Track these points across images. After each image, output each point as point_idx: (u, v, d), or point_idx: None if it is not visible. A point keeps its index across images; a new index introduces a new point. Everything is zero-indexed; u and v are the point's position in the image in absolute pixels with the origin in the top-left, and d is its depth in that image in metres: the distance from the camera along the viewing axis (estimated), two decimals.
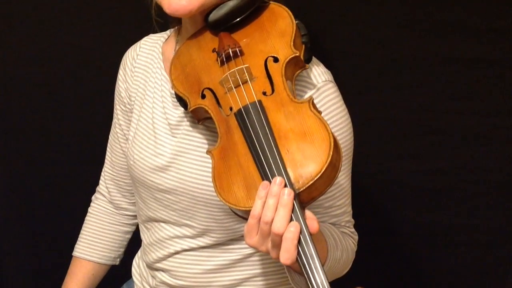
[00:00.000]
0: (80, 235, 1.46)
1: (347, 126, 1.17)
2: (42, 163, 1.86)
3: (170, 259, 1.27)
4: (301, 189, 0.94)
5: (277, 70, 1.05)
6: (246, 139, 1.00)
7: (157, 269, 1.31)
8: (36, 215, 1.90)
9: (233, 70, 1.07)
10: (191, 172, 1.18)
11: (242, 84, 1.05)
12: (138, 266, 1.40)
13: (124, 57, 1.35)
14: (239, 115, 1.03)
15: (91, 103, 1.79)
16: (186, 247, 1.25)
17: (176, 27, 1.28)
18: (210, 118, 1.08)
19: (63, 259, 1.52)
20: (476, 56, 1.56)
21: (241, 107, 1.03)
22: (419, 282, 1.74)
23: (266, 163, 0.97)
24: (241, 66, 1.07)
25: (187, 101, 1.10)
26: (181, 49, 1.18)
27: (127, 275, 1.45)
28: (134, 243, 1.43)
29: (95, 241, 1.44)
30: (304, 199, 0.96)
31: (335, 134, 1.02)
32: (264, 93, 1.04)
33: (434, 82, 1.60)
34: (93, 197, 1.47)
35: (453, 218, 1.67)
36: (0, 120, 1.85)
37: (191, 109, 1.10)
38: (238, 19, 1.13)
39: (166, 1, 1.11)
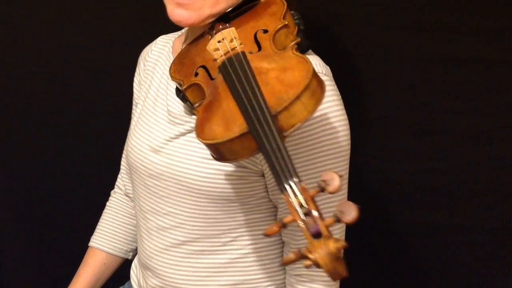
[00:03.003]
0: (97, 227, 1.49)
1: (339, 121, 1.13)
2: (42, 163, 1.86)
3: (156, 256, 1.27)
4: (278, 110, 0.93)
5: (265, 38, 1.07)
6: (227, 83, 1.00)
7: (147, 268, 1.31)
8: (36, 215, 1.90)
9: (219, 32, 1.08)
10: (179, 157, 1.19)
11: (231, 50, 1.06)
12: (136, 266, 1.41)
13: (141, 53, 1.39)
14: (222, 66, 1.03)
15: (91, 104, 1.79)
16: (170, 240, 1.24)
17: None
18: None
19: (64, 259, 1.53)
20: (476, 56, 1.56)
21: (225, 59, 1.04)
22: (418, 282, 1.74)
23: (244, 94, 0.96)
24: (227, 29, 1.09)
25: (182, 83, 1.12)
26: (182, 50, 1.21)
27: (128, 278, 1.45)
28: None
29: (109, 232, 1.46)
30: (283, 124, 0.93)
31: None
32: (250, 52, 1.05)
33: (434, 82, 1.60)
34: (111, 192, 1.51)
35: (452, 218, 1.67)
36: (0, 120, 1.85)
37: (184, 88, 1.10)
38: (230, 10, 1.16)
39: (170, 8, 1.15)
